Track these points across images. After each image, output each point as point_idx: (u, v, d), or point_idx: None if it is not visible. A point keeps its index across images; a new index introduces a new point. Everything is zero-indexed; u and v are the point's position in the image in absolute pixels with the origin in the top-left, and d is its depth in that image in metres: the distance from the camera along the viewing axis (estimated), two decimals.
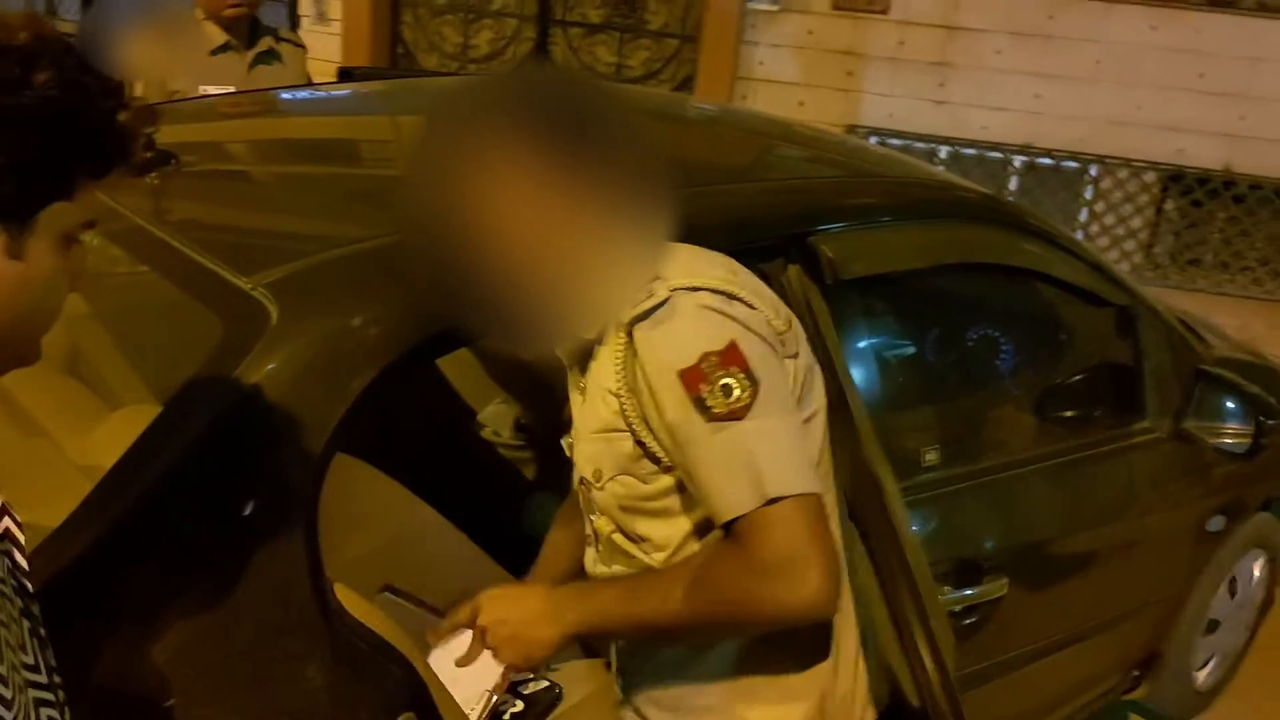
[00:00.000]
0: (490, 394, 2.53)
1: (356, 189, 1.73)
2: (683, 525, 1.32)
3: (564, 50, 6.30)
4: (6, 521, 0.90)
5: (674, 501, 1.31)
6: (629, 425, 1.27)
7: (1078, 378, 2.37)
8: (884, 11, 5.73)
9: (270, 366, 1.22)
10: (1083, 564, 2.21)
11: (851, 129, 5.74)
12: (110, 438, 1.44)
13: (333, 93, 2.58)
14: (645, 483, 1.30)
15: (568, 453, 1.46)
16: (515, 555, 2.04)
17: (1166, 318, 2.38)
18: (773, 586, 1.18)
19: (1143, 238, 5.77)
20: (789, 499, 1.18)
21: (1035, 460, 2.13)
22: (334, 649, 1.24)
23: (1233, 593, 2.79)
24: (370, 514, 1.96)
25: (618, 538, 1.38)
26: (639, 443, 1.27)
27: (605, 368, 1.27)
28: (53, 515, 1.20)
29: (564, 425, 2.41)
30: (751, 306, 1.24)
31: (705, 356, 1.19)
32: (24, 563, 0.90)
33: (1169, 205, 5.75)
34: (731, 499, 1.19)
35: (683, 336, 1.21)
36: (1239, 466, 2.44)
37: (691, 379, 1.19)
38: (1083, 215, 5.79)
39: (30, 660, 0.84)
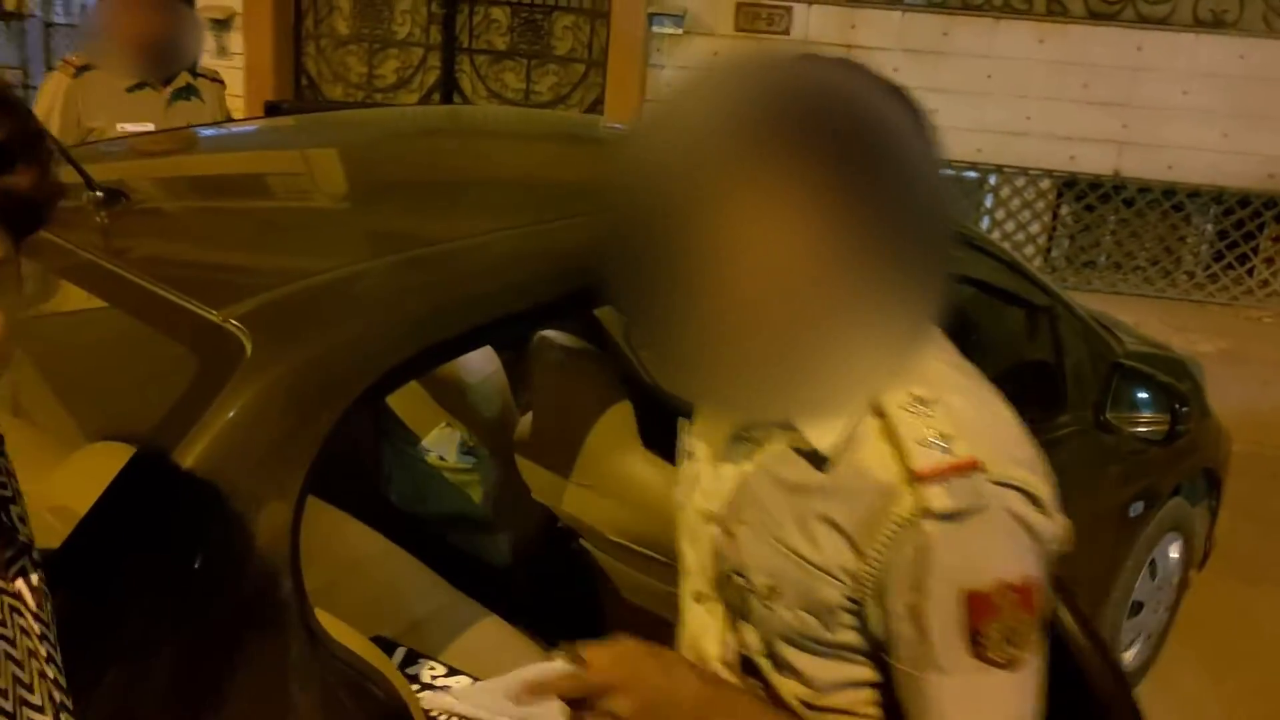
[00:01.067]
0: (433, 418, 2.55)
1: (308, 221, 1.74)
2: (848, 673, 1.08)
3: (471, 78, 6.33)
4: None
5: (853, 652, 1.06)
6: (851, 586, 1.01)
7: (1003, 377, 2.47)
8: (785, 32, 5.88)
9: (247, 398, 1.23)
10: None
11: None
12: (76, 477, 1.44)
13: (270, 126, 2.58)
14: (829, 631, 1.04)
15: (683, 501, 1.20)
16: (467, 579, 2.06)
17: (1083, 315, 2.51)
18: None
19: (1041, 242, 6.01)
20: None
21: None
22: (317, 672, 1.26)
23: (1153, 575, 2.93)
24: (323, 545, 1.96)
25: (761, 660, 1.13)
26: (853, 600, 1.01)
27: (848, 503, 1.00)
28: None
29: (504, 447, 2.44)
30: (1049, 515, 0.99)
31: (1001, 588, 0.96)
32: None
33: (1064, 210, 6.00)
34: None
35: (985, 552, 0.96)
36: (1154, 453, 2.58)
37: (980, 609, 0.96)
38: (984, 223, 5.99)
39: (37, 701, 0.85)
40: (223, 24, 6.50)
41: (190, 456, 1.19)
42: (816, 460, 1.02)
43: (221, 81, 3.09)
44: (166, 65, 2.88)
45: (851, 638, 1.04)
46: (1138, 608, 2.90)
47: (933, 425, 0.97)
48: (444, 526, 2.44)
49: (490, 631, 1.96)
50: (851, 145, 0.88)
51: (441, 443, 2.51)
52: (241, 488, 1.22)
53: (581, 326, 2.33)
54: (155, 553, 1.19)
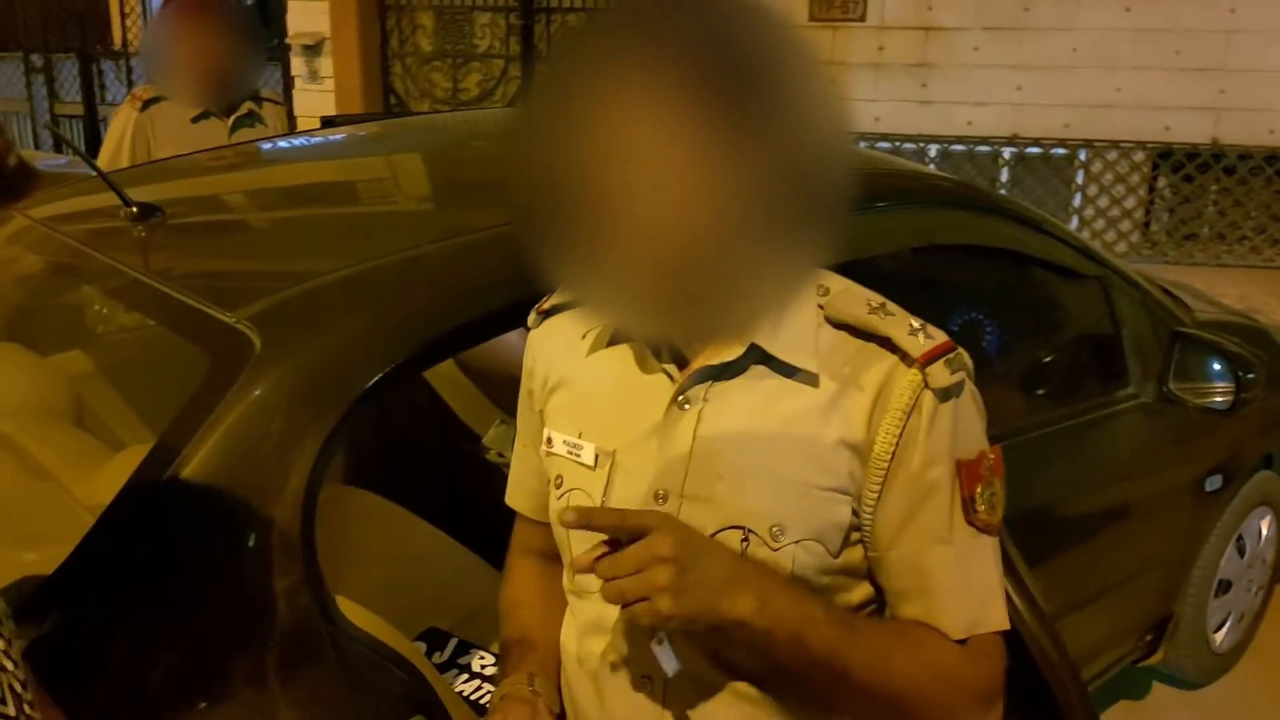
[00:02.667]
0: (491, 416, 2.60)
1: (326, 226, 1.81)
2: (843, 600, 1.13)
3: None
4: None
5: (851, 575, 1.12)
6: (859, 492, 1.08)
7: (1060, 351, 2.42)
8: (861, 19, 5.82)
9: (257, 392, 1.30)
10: (1079, 531, 2.26)
11: None
12: (112, 477, 1.52)
13: (303, 140, 2.69)
14: (835, 555, 1.09)
15: (597, 475, 1.15)
16: None
17: (1140, 283, 2.43)
18: (977, 715, 1.09)
19: (1138, 217, 5.81)
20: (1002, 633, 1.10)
21: (1025, 433, 2.17)
22: (341, 658, 1.31)
23: (1241, 552, 2.81)
24: (382, 542, 2.03)
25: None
26: (860, 510, 1.08)
27: (845, 415, 1.06)
28: (64, 551, 1.28)
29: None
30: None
31: (982, 455, 1.08)
32: None
33: (1161, 183, 5.79)
34: (973, 615, 1.08)
35: (969, 423, 1.08)
36: (1231, 424, 2.49)
37: (971, 476, 1.07)
38: (1076, 200, 5.83)
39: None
40: (313, 49, 6.73)
41: (202, 451, 1.26)
42: (802, 378, 1.07)
43: (281, 102, 3.18)
44: (229, 93, 2.95)
45: (855, 556, 1.10)
46: (1225, 586, 2.80)
47: (905, 320, 1.08)
48: (505, 521, 2.49)
49: None
50: (742, 72, 0.88)
51: (500, 440, 2.56)
52: (252, 479, 1.28)
53: None
54: (168, 546, 1.26)
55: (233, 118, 2.98)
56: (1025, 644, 1.39)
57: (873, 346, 1.07)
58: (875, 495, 1.07)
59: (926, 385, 1.05)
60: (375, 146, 2.36)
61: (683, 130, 0.87)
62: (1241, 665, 2.95)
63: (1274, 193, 5.65)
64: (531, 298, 1.52)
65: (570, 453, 1.16)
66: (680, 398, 1.09)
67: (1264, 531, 2.90)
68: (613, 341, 1.17)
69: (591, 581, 1.08)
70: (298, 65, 6.82)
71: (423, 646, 1.89)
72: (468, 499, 2.55)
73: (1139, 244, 5.78)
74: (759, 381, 1.08)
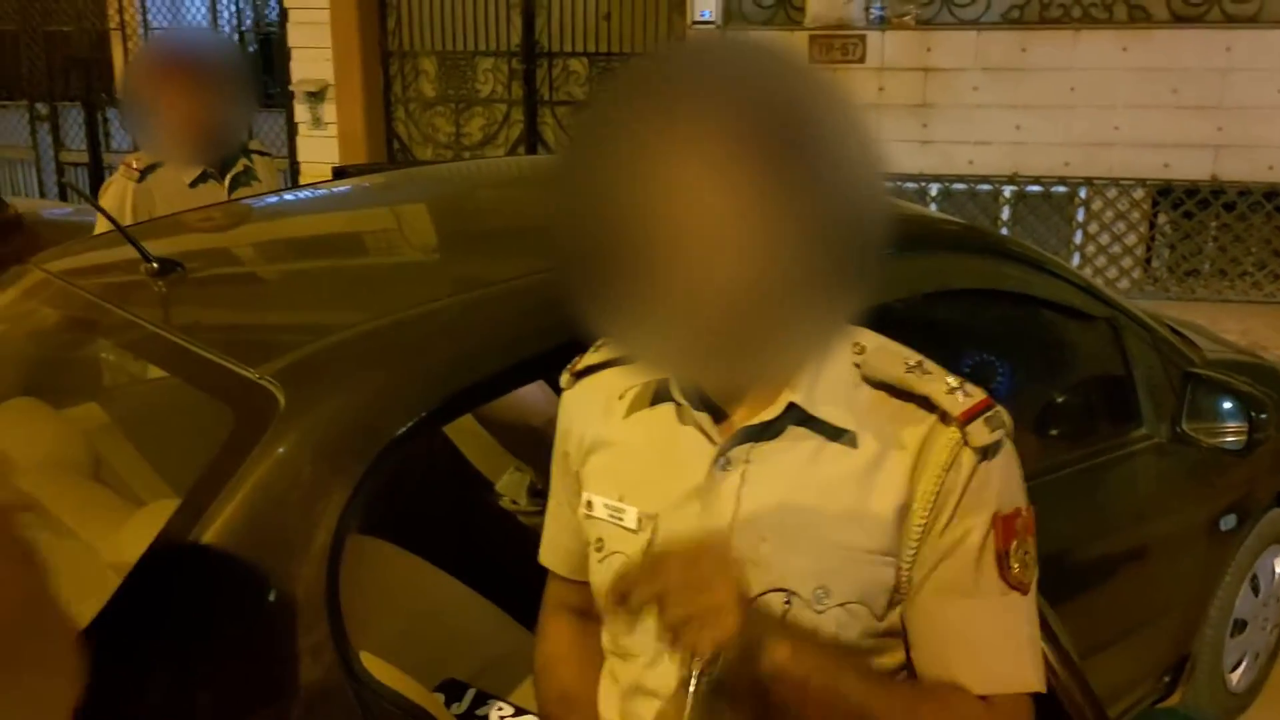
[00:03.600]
0: (504, 463, 2.60)
1: (345, 279, 1.82)
2: (881, 663, 1.13)
3: (554, 129, 6.48)
4: None
5: (892, 637, 1.11)
6: (900, 551, 1.07)
7: (1073, 393, 2.43)
8: (860, 60, 5.88)
9: (281, 449, 1.30)
10: (1096, 573, 2.25)
11: None
12: (136, 534, 1.52)
13: (314, 192, 2.70)
14: (879, 617, 1.09)
15: (636, 544, 1.13)
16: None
17: (1150, 324, 2.44)
18: None
19: (1139, 254, 5.84)
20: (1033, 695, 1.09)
21: (1040, 476, 2.17)
22: (365, 713, 1.30)
23: (1256, 591, 2.80)
24: (398, 592, 2.03)
25: None
26: (903, 569, 1.08)
27: (887, 476, 1.06)
28: (89, 610, 1.28)
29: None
30: None
31: (1019, 513, 1.08)
32: None
33: (1161, 219, 5.83)
34: (1002, 671, 1.07)
35: (1006, 480, 1.08)
36: (1244, 464, 2.49)
37: (1007, 533, 1.06)
38: (1078, 237, 5.87)
39: None
40: (316, 96, 6.80)
41: (228, 509, 1.26)
42: (843, 439, 1.07)
43: (270, 154, 3.12)
44: (221, 148, 2.82)
45: (895, 618, 1.10)
46: (1241, 625, 2.78)
47: (943, 379, 1.08)
48: (520, 568, 2.48)
49: None
50: (783, 120, 0.89)
51: (513, 487, 2.56)
52: (278, 536, 1.28)
53: None
54: (195, 606, 1.26)
55: (229, 176, 2.85)
56: (1058, 702, 1.38)
57: (911, 406, 1.08)
58: (913, 553, 1.07)
59: (966, 443, 1.05)
60: (389, 197, 2.38)
61: (729, 180, 0.88)
62: (1257, 706, 2.93)
63: (1274, 228, 5.69)
64: (552, 350, 1.53)
65: (611, 516, 1.16)
66: (722, 459, 1.09)
67: (1278, 570, 2.89)
68: (653, 402, 1.17)
69: (635, 644, 1.08)
70: (301, 112, 6.88)
71: (441, 698, 1.88)
72: (482, 547, 2.55)
73: (1141, 280, 5.81)
74: (799, 443, 1.08)
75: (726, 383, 1.09)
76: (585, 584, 1.28)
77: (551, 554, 1.37)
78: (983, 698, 1.05)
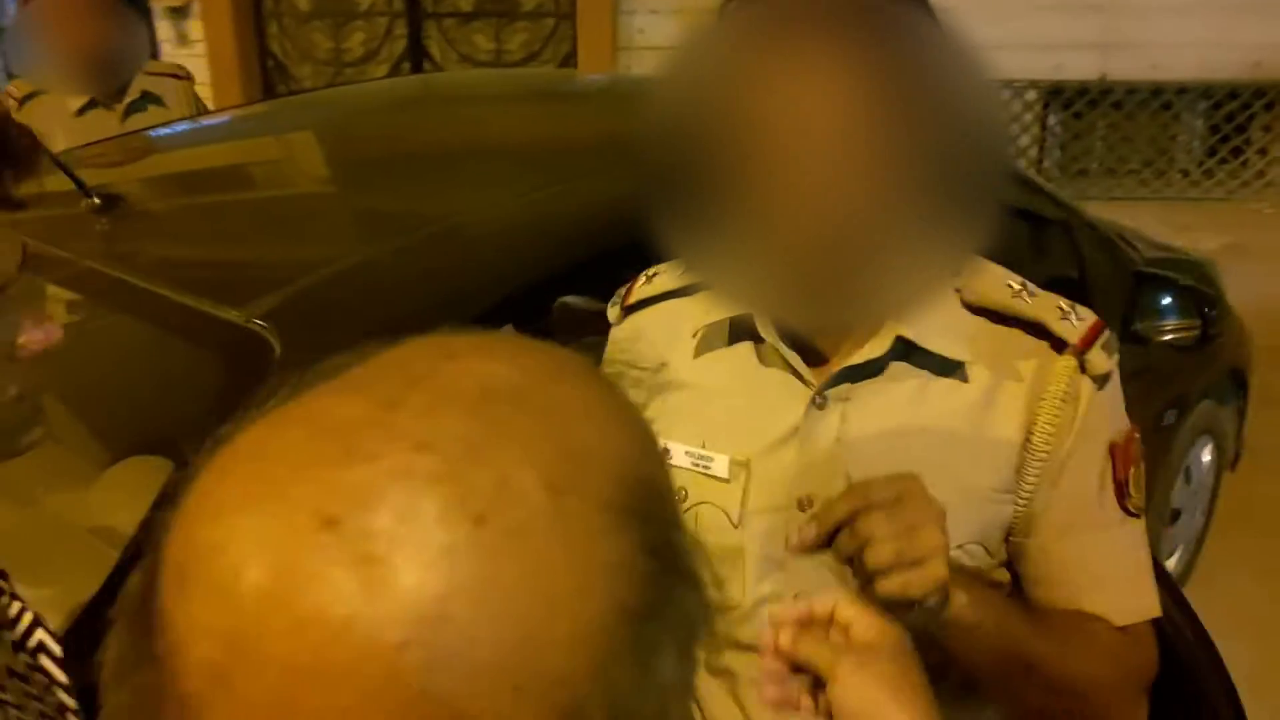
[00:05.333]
0: None
1: (310, 208, 1.68)
2: None
3: (440, 43, 6.21)
4: (40, 634, 0.82)
5: (1000, 570, 1.07)
6: (1017, 487, 1.01)
7: None
8: None
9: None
10: None
11: None
12: (114, 495, 1.39)
13: (249, 115, 2.51)
14: (993, 555, 1.04)
15: (723, 477, 1.05)
16: None
17: (1099, 226, 2.46)
18: (1135, 708, 1.05)
19: (1031, 154, 5.94)
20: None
21: None
22: None
23: (1188, 480, 2.90)
24: None
25: None
26: (1020, 504, 1.02)
27: (1002, 408, 1.00)
28: (79, 584, 1.16)
29: None
30: None
31: (1130, 437, 1.04)
32: (62, 676, 0.84)
33: (1051, 120, 5.92)
34: (1132, 601, 1.03)
35: (1117, 405, 1.03)
36: (1183, 360, 2.54)
37: (1123, 460, 1.02)
38: None
39: None
40: (180, 11, 6.36)
41: None
42: (954, 373, 1.00)
43: (185, 75, 2.85)
44: (114, 76, 2.56)
45: (1004, 554, 1.05)
46: (1175, 515, 2.88)
47: (1053, 302, 1.01)
48: None
49: None
50: (912, 48, 0.84)
51: None
52: None
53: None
54: None
55: (123, 104, 2.58)
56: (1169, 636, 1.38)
57: (1018, 332, 1.00)
58: (1031, 489, 1.01)
59: (1083, 372, 0.99)
60: (324, 119, 2.21)
61: (857, 93, 0.81)
62: (1189, 587, 3.05)
63: (1159, 126, 5.84)
64: (559, 274, 1.44)
65: (696, 464, 1.07)
66: (818, 398, 1.01)
67: (1205, 459, 2.99)
68: (731, 340, 1.07)
69: (733, 595, 1.02)
70: (164, 29, 6.43)
71: None
72: None
73: None
74: (903, 378, 1.01)
75: (830, 321, 1.01)
76: None
77: None
78: (1121, 628, 1.02)
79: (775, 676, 0.80)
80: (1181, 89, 5.72)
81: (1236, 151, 5.83)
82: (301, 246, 1.50)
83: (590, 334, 2.21)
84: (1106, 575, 1.02)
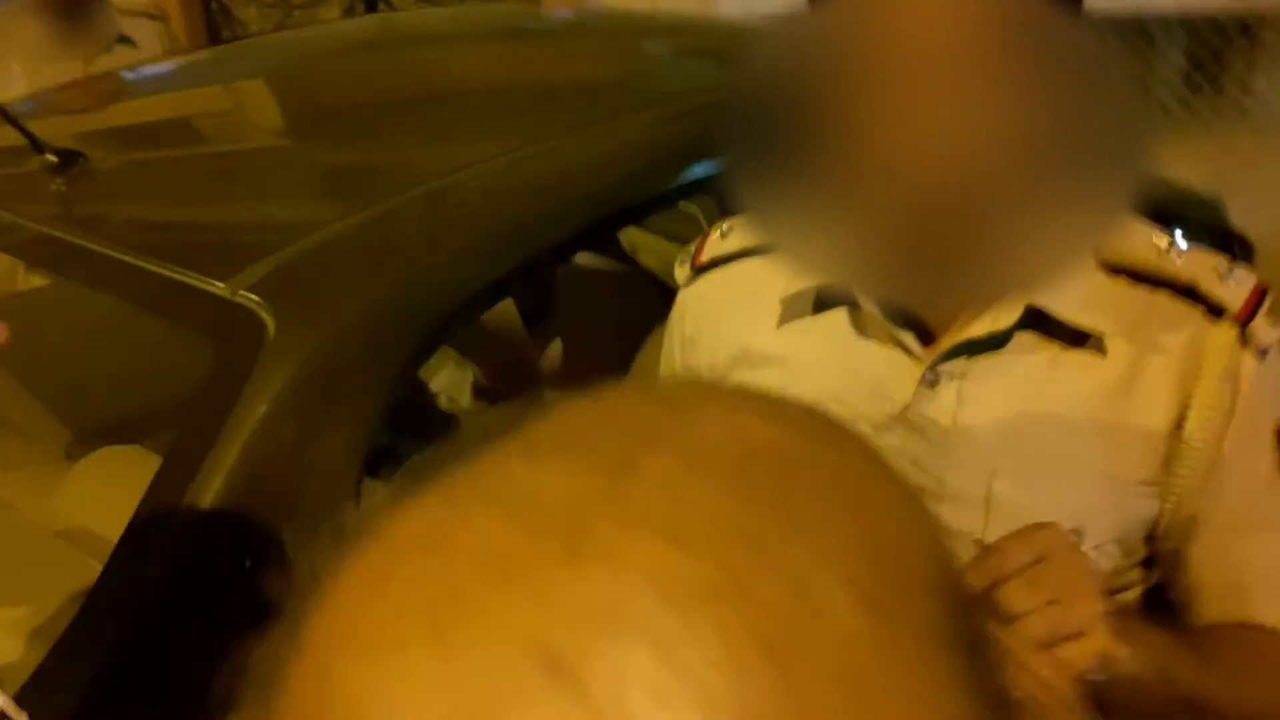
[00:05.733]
0: (439, 359, 2.35)
1: (291, 165, 1.51)
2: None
3: None
4: None
5: (1129, 582, 0.95)
6: (1167, 479, 0.88)
7: None
8: None
9: (284, 381, 1.04)
10: None
11: None
12: (86, 491, 1.24)
13: (220, 57, 2.31)
14: (1129, 555, 0.91)
15: None
16: None
17: None
18: None
19: None
20: None
21: None
22: None
23: None
24: None
25: None
26: (1166, 499, 0.89)
27: (1148, 388, 0.86)
28: (52, 601, 1.02)
29: (524, 380, 2.27)
30: None
31: None
32: None
33: None
34: None
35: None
36: None
37: None
38: None
39: None
40: None
41: (227, 460, 1.01)
42: (1088, 344, 0.86)
43: (159, 16, 2.62)
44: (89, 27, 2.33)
45: (1143, 552, 0.92)
46: None
47: (1208, 260, 0.87)
48: None
49: None
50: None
51: (453, 385, 2.31)
52: (290, 490, 1.04)
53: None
54: (202, 576, 1.01)
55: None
56: None
57: (1165, 296, 0.86)
58: (1185, 482, 0.87)
59: (1246, 344, 0.85)
60: (315, 64, 2.02)
61: (987, 27, 0.69)
62: None
63: (1139, 58, 5.73)
64: (572, 235, 1.30)
65: None
66: (929, 374, 0.87)
67: None
68: (818, 309, 0.93)
69: None
70: None
71: None
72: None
73: None
74: (1030, 352, 0.86)
75: (945, 299, 0.86)
76: None
77: None
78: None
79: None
80: (1160, 19, 5.60)
81: (1217, 86, 5.73)
82: (283, 208, 1.34)
83: (604, 296, 2.08)
84: (1270, 573, 0.88)
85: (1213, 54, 5.70)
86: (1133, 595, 0.94)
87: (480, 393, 2.31)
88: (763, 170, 0.73)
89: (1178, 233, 0.89)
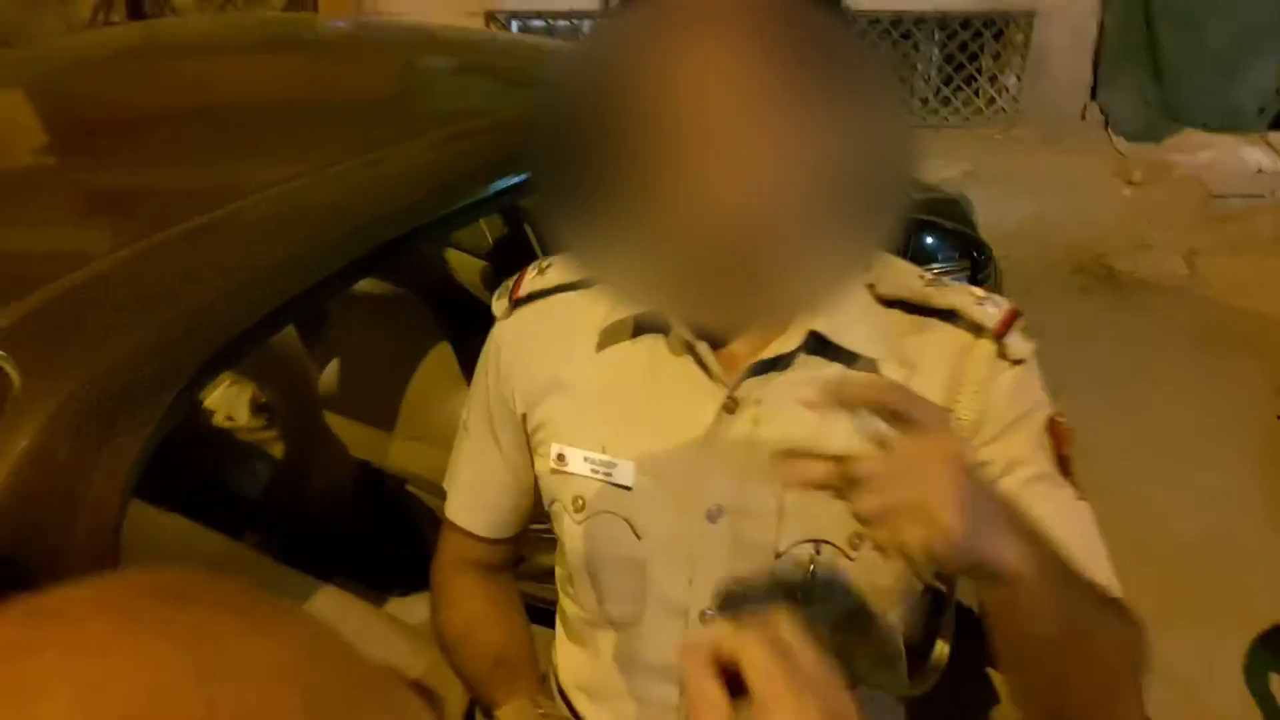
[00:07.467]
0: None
1: (38, 188, 1.44)
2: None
3: None
4: None
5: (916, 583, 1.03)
6: None
7: None
8: None
9: (24, 443, 1.01)
10: None
11: (491, 17, 5.57)
12: None
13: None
14: None
15: (620, 482, 0.99)
16: (285, 544, 1.88)
17: None
18: (1136, 688, 0.91)
19: None
20: None
21: None
22: None
23: None
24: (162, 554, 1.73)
25: None
26: None
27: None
28: None
29: (301, 397, 2.23)
30: None
31: (1060, 417, 0.99)
32: None
33: None
34: (1109, 576, 0.95)
35: (1042, 385, 1.00)
36: None
37: (1059, 435, 0.98)
38: None
39: None
40: None
41: None
42: (863, 365, 0.97)
43: None
44: None
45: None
46: None
47: (967, 290, 1.00)
48: (250, 492, 2.22)
49: (327, 602, 1.80)
50: (815, 38, 0.79)
51: (228, 402, 2.26)
52: (50, 530, 1.02)
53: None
54: None
55: None
56: None
57: (934, 322, 0.98)
58: None
59: (1003, 356, 0.97)
60: (63, 73, 1.91)
61: (773, 84, 0.78)
62: None
63: (900, 55, 6.05)
64: (352, 263, 1.29)
65: (596, 471, 1.00)
66: (729, 402, 0.97)
67: None
68: (636, 334, 1.00)
69: (629, 611, 0.98)
70: None
71: None
72: (202, 475, 2.24)
73: None
74: (815, 374, 0.96)
75: (737, 318, 0.96)
76: (501, 543, 1.17)
77: (469, 512, 1.18)
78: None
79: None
80: (919, 19, 5.94)
81: (970, 80, 6.13)
82: (39, 240, 1.28)
83: (378, 319, 2.06)
84: (1084, 548, 0.92)
85: (965, 51, 6.09)
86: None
87: (259, 409, 2.26)
88: (571, 202, 0.80)
89: (938, 269, 1.01)
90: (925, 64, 6.14)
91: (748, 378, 0.97)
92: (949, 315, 0.98)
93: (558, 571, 1.14)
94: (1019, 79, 6.12)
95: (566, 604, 1.14)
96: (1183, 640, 2.40)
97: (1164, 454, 3.40)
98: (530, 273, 1.10)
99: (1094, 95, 6.12)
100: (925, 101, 6.16)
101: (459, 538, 1.20)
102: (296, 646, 0.37)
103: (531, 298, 1.08)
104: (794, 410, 0.91)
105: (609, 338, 1.02)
